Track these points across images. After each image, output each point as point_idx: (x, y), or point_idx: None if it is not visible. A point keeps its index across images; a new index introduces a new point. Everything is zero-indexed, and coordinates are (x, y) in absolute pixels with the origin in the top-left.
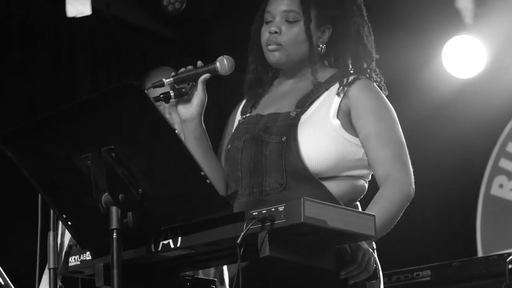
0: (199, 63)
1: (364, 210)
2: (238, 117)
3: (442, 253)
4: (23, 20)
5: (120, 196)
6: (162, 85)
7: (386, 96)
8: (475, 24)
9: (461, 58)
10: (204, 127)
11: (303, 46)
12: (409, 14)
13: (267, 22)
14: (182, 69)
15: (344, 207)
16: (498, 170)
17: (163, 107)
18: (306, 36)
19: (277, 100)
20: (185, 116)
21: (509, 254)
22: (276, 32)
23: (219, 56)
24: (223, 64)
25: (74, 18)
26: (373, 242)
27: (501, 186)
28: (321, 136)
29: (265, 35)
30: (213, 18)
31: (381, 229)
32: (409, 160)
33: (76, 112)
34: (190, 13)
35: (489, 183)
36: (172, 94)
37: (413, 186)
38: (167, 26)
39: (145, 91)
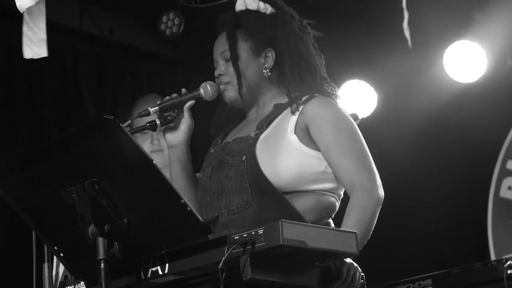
0: (183, 90)
1: (340, 223)
2: (211, 150)
3: (455, 258)
4: None
5: (105, 227)
6: (148, 114)
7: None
8: (476, 29)
9: (462, 63)
10: (189, 153)
11: (247, 78)
12: (410, 19)
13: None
14: (167, 97)
15: (323, 226)
16: (506, 172)
17: (151, 133)
18: (234, 69)
19: (242, 128)
20: (172, 142)
21: (507, 260)
22: (220, 75)
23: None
24: (206, 90)
25: (78, 45)
26: None
27: (510, 188)
28: (279, 151)
29: (215, 81)
30: (212, 39)
31: (360, 240)
32: (373, 165)
33: (58, 147)
34: (190, 34)
35: (497, 186)
36: (158, 122)
37: (381, 190)
38: (170, 49)
39: (120, 125)
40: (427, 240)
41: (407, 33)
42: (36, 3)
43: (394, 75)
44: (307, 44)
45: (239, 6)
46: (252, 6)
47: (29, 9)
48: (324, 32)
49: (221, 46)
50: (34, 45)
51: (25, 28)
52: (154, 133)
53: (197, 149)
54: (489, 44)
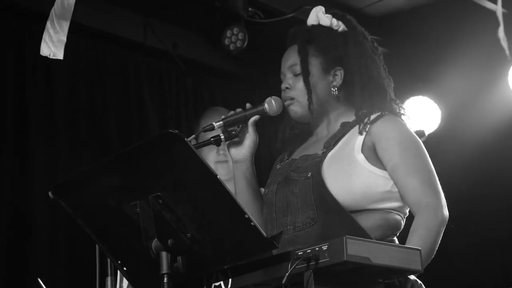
0: (248, 105)
1: (404, 242)
2: (277, 166)
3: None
4: (92, 61)
5: (169, 241)
6: (213, 128)
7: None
8: None
9: None
10: (254, 168)
11: (315, 94)
12: (476, 38)
13: (282, 82)
14: (231, 112)
15: (387, 243)
16: None
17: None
18: (305, 84)
19: (310, 146)
20: (237, 157)
21: None
22: (287, 88)
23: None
24: (271, 105)
25: (142, 59)
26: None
27: None
28: (346, 170)
29: (281, 94)
30: (277, 54)
31: (424, 259)
32: (439, 185)
33: (123, 161)
34: (254, 49)
35: None
36: (222, 137)
37: (446, 210)
38: (233, 63)
39: (185, 139)
40: (490, 257)
41: (504, 43)
42: (63, 2)
43: (458, 92)
44: (378, 65)
45: (311, 21)
46: (325, 22)
47: (57, 6)
48: (389, 47)
49: (290, 59)
50: (53, 44)
51: (48, 25)
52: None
53: (261, 164)
54: None
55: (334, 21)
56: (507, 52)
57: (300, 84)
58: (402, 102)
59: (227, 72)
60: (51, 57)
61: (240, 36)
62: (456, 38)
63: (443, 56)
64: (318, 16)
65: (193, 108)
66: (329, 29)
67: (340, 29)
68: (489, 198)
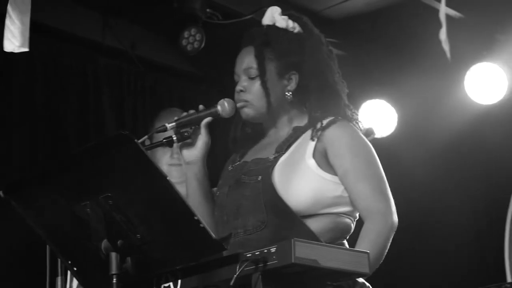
0: (201, 107)
1: (353, 246)
2: (229, 167)
3: (472, 279)
4: (49, 60)
5: (118, 242)
6: (165, 130)
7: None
8: (498, 51)
9: (483, 84)
10: (206, 169)
11: (269, 98)
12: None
13: (236, 82)
14: (184, 113)
15: (336, 246)
16: None
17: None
18: (264, 89)
19: (262, 148)
20: (189, 158)
21: None
22: (241, 91)
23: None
24: (224, 107)
25: (100, 59)
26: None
27: None
28: (297, 176)
29: (235, 95)
30: (233, 56)
31: (373, 263)
32: (389, 191)
33: (74, 162)
34: (212, 50)
35: None
36: (175, 138)
37: (395, 216)
38: (191, 64)
39: (135, 140)
40: (445, 259)
41: (445, 45)
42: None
43: (415, 95)
44: (333, 70)
45: (267, 21)
46: (281, 23)
47: (13, 2)
48: (346, 50)
49: (245, 62)
50: (16, 39)
51: (7, 22)
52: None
53: (215, 165)
54: (511, 66)
55: (290, 22)
56: (448, 54)
57: (255, 87)
58: (359, 105)
59: (185, 72)
60: (16, 51)
61: (198, 37)
62: (414, 41)
63: (400, 60)
64: (274, 17)
65: (150, 109)
66: (285, 31)
67: (295, 31)
68: (446, 202)
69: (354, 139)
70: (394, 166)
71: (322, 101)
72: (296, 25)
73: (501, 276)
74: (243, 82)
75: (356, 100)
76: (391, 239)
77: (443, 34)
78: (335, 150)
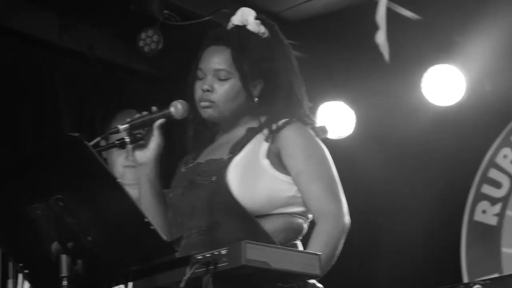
0: (154, 108)
1: (305, 247)
2: (182, 169)
3: (428, 280)
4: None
5: (69, 244)
6: (118, 131)
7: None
8: (456, 53)
9: (441, 86)
10: (158, 171)
11: (234, 102)
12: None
13: (200, 79)
14: (137, 115)
15: (287, 248)
16: (481, 196)
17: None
18: (245, 91)
19: (215, 149)
20: (141, 160)
21: (474, 283)
22: (208, 90)
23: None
24: (177, 108)
25: (58, 60)
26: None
27: (484, 212)
28: (251, 176)
29: (198, 92)
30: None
31: (324, 264)
32: (341, 192)
33: (25, 164)
34: (170, 51)
35: (472, 209)
36: (127, 140)
37: (347, 217)
38: (149, 65)
39: (85, 142)
40: (401, 261)
41: (382, 48)
42: None
43: (373, 97)
44: (293, 71)
45: (236, 21)
46: (253, 28)
47: None
48: (306, 52)
49: (217, 62)
50: None
51: None
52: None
53: (170, 167)
54: (468, 68)
55: (262, 28)
56: (386, 57)
57: (223, 90)
58: (317, 106)
59: (143, 74)
60: None
61: (155, 38)
62: (372, 43)
63: (358, 61)
64: (248, 19)
65: (108, 110)
66: (256, 36)
67: (264, 36)
68: (402, 203)
69: (307, 141)
70: (351, 167)
71: (283, 106)
72: (266, 30)
73: (457, 276)
74: (211, 82)
75: (314, 101)
76: (342, 240)
77: (380, 37)
78: (288, 151)
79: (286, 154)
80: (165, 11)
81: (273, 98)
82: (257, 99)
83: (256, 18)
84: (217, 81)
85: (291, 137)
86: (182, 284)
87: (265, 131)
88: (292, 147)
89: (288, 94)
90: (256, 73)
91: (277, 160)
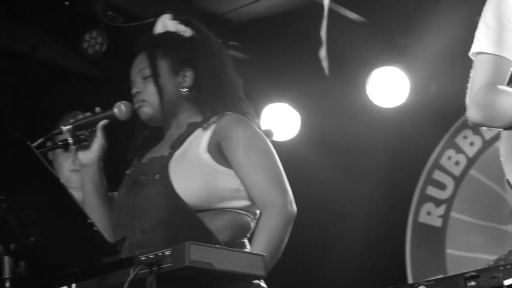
0: (97, 109)
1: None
2: (127, 171)
3: (373, 282)
4: None
5: (11, 245)
6: (61, 132)
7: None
8: (400, 54)
9: (385, 88)
10: (102, 172)
11: (164, 96)
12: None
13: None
14: (81, 116)
15: (231, 248)
16: (425, 198)
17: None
18: (156, 86)
19: (158, 148)
20: (84, 161)
21: (418, 284)
22: (137, 92)
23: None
24: (121, 109)
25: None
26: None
27: (429, 213)
28: (192, 170)
29: (133, 100)
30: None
31: (270, 260)
32: (285, 181)
33: None
34: (114, 53)
35: (417, 211)
36: (70, 141)
37: (292, 206)
38: (94, 67)
39: (27, 143)
40: (346, 263)
41: (324, 63)
42: None
43: (318, 99)
44: (225, 65)
45: (159, 29)
46: (172, 28)
47: None
48: (250, 54)
49: (139, 64)
50: None
51: None
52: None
53: (116, 169)
54: (413, 70)
55: (181, 27)
56: (326, 71)
57: (150, 86)
58: (262, 108)
59: (88, 75)
60: None
61: (99, 40)
62: (317, 45)
63: (303, 63)
64: (166, 23)
65: (52, 111)
66: (175, 33)
67: (186, 34)
68: (348, 205)
69: (248, 132)
70: (296, 169)
71: (217, 97)
72: (188, 29)
73: (402, 278)
74: (138, 85)
75: (259, 103)
76: (288, 231)
77: (322, 52)
78: (228, 143)
79: (226, 146)
80: (109, 13)
81: (204, 86)
82: (187, 89)
83: (176, 19)
84: (143, 82)
85: (231, 129)
86: (125, 286)
87: (205, 125)
88: (232, 139)
89: (215, 79)
90: (179, 62)
91: (218, 153)
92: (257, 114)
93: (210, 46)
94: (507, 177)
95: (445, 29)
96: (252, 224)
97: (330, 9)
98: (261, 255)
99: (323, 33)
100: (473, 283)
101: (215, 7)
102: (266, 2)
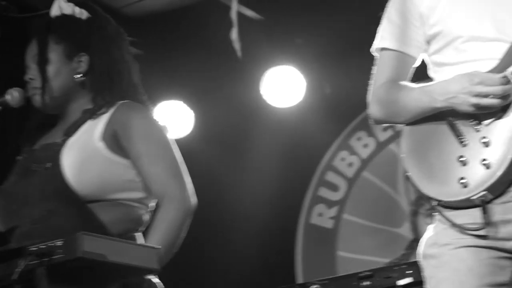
0: None
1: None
2: (19, 157)
3: (263, 282)
4: None
5: None
6: None
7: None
8: (296, 54)
9: (280, 87)
10: None
11: (57, 81)
12: (231, 43)
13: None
14: None
15: (125, 241)
16: (317, 199)
17: None
18: (46, 73)
19: (51, 135)
20: None
21: (311, 283)
22: (31, 79)
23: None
24: (12, 96)
25: None
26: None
27: (320, 214)
28: (84, 158)
29: (28, 86)
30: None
31: (166, 252)
32: (184, 173)
33: None
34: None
35: (308, 212)
36: None
37: (192, 198)
38: None
39: None
40: (237, 263)
41: (236, 44)
42: None
43: (213, 96)
44: (122, 49)
45: (54, 12)
46: (67, 10)
47: None
48: (144, 50)
49: (32, 50)
50: None
51: None
52: None
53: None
54: (309, 70)
55: (77, 9)
56: (239, 53)
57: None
58: (156, 105)
59: None
60: None
61: None
62: (213, 42)
63: (199, 60)
64: (61, 6)
65: None
66: (71, 17)
67: (83, 17)
68: (240, 205)
69: (146, 122)
70: (190, 167)
71: (113, 83)
72: (83, 11)
73: (292, 279)
74: (32, 71)
75: (152, 100)
76: (186, 224)
77: (234, 34)
78: (127, 132)
79: (124, 135)
80: (3, 2)
81: (99, 71)
82: (81, 75)
83: (71, 1)
84: (36, 68)
85: (129, 118)
86: (14, 276)
87: (100, 112)
88: (130, 128)
89: (110, 64)
90: (74, 47)
91: (114, 142)
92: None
93: (107, 30)
94: (408, 173)
95: (341, 29)
96: (145, 217)
97: (227, 7)
98: (156, 248)
99: (233, 14)
100: (367, 282)
101: (110, 1)
102: None
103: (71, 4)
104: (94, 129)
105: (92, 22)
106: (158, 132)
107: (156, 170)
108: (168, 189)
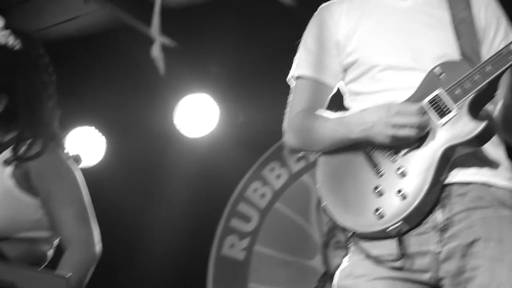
0: None
1: None
2: None
3: None
4: None
5: None
6: None
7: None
8: (211, 83)
9: (194, 116)
10: None
11: None
12: (147, 71)
13: None
14: None
15: (36, 269)
16: (229, 230)
17: None
18: None
19: None
20: None
21: None
22: None
23: None
24: None
25: None
26: None
27: (232, 246)
28: None
29: None
30: None
31: None
32: (92, 219)
33: None
34: None
35: (220, 243)
36: None
37: (98, 246)
38: None
39: None
40: None
41: (158, 61)
42: None
43: (126, 124)
44: (49, 95)
45: None
46: (1, 40)
47: None
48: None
49: None
50: None
51: None
52: None
53: None
54: (223, 99)
55: (11, 39)
56: (161, 70)
57: None
58: (67, 131)
59: None
60: None
61: None
62: (128, 69)
63: (112, 87)
64: None
65: None
66: (2, 48)
67: (15, 48)
68: (151, 235)
69: (58, 164)
70: (101, 194)
71: (31, 125)
72: (18, 41)
73: None
74: None
75: (65, 127)
76: (90, 270)
77: (155, 50)
78: (38, 173)
79: (36, 176)
80: None
81: (18, 112)
82: None
83: (10, 28)
84: None
85: (42, 160)
86: None
87: (13, 150)
88: (41, 169)
89: (34, 111)
90: None
91: (25, 181)
92: (63, 137)
93: (37, 66)
94: (324, 203)
95: (256, 58)
96: (50, 253)
97: (142, 33)
98: (65, 277)
99: (155, 30)
100: None
101: (28, 24)
102: (77, 22)
103: (7, 32)
104: (5, 167)
105: (23, 58)
106: (69, 176)
107: (66, 213)
108: (77, 234)
